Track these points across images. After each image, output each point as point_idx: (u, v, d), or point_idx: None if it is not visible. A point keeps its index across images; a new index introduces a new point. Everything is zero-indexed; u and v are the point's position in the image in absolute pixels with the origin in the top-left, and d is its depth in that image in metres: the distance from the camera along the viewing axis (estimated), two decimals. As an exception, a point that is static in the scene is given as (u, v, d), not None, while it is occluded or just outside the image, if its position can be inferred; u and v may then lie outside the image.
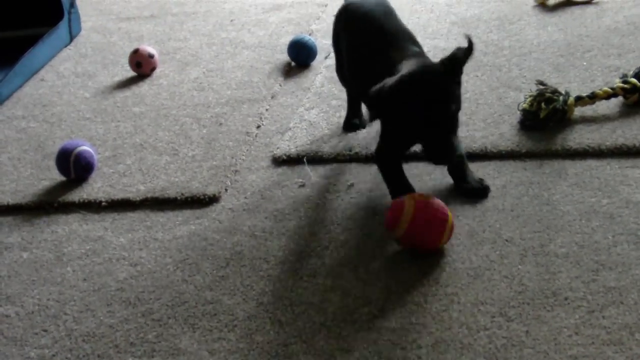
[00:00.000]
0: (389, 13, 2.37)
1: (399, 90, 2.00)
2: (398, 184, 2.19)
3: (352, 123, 2.58)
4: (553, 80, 2.66)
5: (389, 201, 2.14)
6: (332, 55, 2.69)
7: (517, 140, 2.40)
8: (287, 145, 2.55)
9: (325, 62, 3.09)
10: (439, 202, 2.02)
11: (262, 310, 1.93)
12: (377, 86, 2.03)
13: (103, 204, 2.43)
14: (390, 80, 2.02)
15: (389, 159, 2.21)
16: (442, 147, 2.02)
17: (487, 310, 1.82)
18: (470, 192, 2.20)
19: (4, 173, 2.66)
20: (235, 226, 2.25)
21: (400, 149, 2.23)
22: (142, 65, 3.24)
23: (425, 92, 2.00)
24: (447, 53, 2.99)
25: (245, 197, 2.37)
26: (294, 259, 2.09)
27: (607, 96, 2.48)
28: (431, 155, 2.04)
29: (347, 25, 2.43)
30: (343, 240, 2.13)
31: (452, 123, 2.05)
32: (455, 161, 2.14)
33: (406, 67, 2.07)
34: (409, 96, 2.00)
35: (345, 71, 2.47)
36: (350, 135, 2.55)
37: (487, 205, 2.16)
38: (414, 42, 2.28)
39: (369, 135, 2.51)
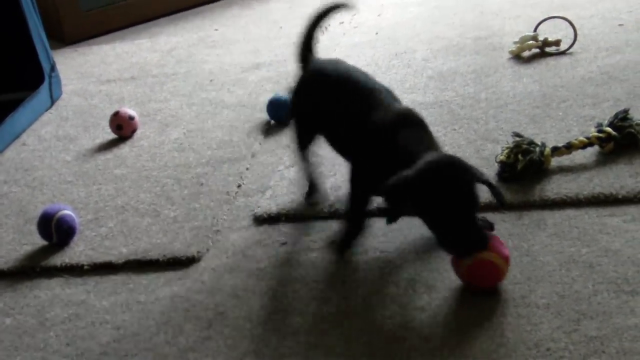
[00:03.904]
0: (362, 72, 2.38)
1: (425, 180, 1.97)
2: None
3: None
4: (530, 132, 2.69)
5: (373, 257, 2.16)
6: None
7: (496, 192, 2.42)
8: (268, 204, 2.56)
9: (304, 119, 3.10)
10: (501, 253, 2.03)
11: (246, 371, 1.92)
12: (395, 178, 2.00)
13: (85, 267, 2.43)
14: (410, 172, 1.99)
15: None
16: (478, 232, 2.00)
17: (470, 363, 1.82)
18: None
19: (-14, 239, 2.66)
20: (217, 286, 2.25)
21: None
22: (122, 128, 3.25)
23: (454, 180, 1.97)
24: (424, 108, 3.02)
25: (227, 257, 2.37)
26: (276, 318, 2.08)
27: (583, 146, 2.51)
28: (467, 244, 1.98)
29: (323, 88, 2.38)
30: (325, 297, 2.13)
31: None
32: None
33: (423, 157, 2.02)
34: (436, 186, 1.96)
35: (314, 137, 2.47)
36: (330, 192, 2.56)
37: (467, 258, 2.17)
38: (394, 98, 2.29)
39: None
